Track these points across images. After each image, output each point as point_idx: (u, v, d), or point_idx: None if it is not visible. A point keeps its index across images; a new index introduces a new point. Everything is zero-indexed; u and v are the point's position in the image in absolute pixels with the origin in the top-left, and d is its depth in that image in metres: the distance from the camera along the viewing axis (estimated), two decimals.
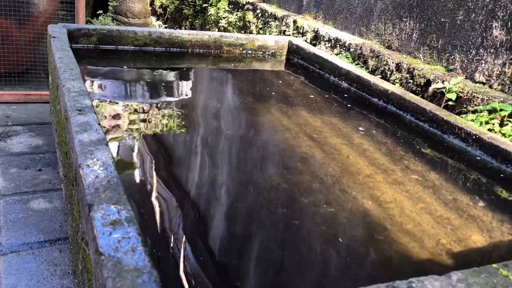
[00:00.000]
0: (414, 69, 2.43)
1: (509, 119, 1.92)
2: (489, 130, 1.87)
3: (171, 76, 2.27)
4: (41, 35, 3.14)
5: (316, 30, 3.25)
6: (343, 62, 2.47)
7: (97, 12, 5.37)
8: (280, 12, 3.77)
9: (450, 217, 1.25)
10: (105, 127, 1.42)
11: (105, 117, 1.61)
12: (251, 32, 4.09)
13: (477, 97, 2.07)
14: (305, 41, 3.16)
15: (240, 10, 4.38)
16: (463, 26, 2.29)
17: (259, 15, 4.04)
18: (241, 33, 4.09)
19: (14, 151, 2.44)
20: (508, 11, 2.06)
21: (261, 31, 3.99)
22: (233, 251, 1.01)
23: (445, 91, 2.19)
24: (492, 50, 2.14)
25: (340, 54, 3.00)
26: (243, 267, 0.97)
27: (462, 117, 1.94)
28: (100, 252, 0.76)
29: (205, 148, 1.42)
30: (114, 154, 1.17)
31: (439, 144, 1.72)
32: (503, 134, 1.87)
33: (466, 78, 2.26)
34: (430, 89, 2.30)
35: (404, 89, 2.40)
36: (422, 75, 2.37)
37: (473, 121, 1.97)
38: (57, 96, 1.74)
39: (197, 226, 1.08)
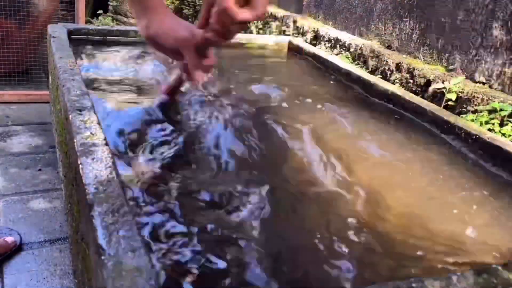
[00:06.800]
0: (414, 69, 2.43)
1: (509, 119, 1.92)
2: (489, 130, 1.87)
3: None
4: (41, 35, 3.14)
5: (316, 30, 3.25)
6: (343, 62, 2.47)
7: (97, 12, 5.37)
8: (280, 12, 3.77)
9: (450, 217, 1.25)
10: (105, 126, 1.42)
11: (105, 116, 1.60)
12: (251, 32, 4.09)
13: (477, 97, 2.07)
14: (305, 41, 3.16)
15: None
16: (463, 26, 2.29)
17: None
18: (241, 33, 4.08)
19: (14, 151, 2.44)
20: (508, 11, 2.06)
21: (261, 31, 3.99)
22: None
23: (445, 91, 2.19)
24: (492, 50, 2.14)
25: (340, 54, 3.00)
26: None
27: (462, 117, 1.94)
28: (100, 252, 0.76)
29: (206, 145, 1.42)
30: (115, 154, 1.17)
31: (439, 144, 1.72)
32: (503, 134, 1.87)
33: (466, 78, 2.26)
34: (430, 89, 2.30)
35: (404, 89, 2.40)
36: (422, 75, 2.37)
37: (473, 121, 1.97)
38: (57, 96, 1.74)
39: (199, 228, 1.08)
